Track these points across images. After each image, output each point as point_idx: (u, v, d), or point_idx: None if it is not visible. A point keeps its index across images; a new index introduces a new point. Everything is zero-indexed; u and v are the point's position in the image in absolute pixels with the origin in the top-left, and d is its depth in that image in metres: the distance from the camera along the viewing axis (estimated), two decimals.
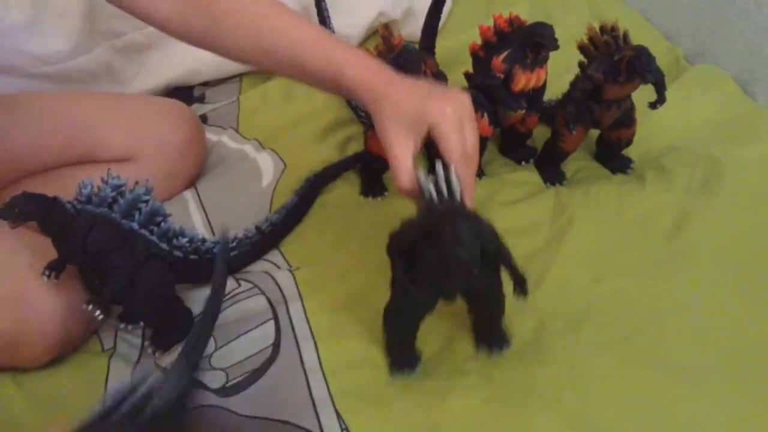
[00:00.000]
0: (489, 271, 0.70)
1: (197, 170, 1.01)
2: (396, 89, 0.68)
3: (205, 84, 1.23)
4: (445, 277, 0.65)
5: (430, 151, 0.99)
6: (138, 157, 0.95)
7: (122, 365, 0.77)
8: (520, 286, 0.68)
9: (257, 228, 0.90)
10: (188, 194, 0.98)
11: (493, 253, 0.66)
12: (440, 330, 0.79)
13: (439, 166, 0.66)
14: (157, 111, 0.98)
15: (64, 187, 0.90)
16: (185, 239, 0.80)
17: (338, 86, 0.71)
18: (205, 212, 0.95)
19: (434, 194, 0.66)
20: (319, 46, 0.72)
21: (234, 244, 0.79)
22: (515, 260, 0.68)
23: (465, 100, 0.70)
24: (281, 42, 0.72)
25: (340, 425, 0.69)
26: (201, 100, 1.21)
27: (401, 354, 0.76)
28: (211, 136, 1.09)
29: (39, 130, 0.91)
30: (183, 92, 1.20)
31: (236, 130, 1.11)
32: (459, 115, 0.68)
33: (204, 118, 1.16)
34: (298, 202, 0.94)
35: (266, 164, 1.03)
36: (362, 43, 1.29)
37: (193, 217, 0.94)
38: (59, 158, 0.92)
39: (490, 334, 0.77)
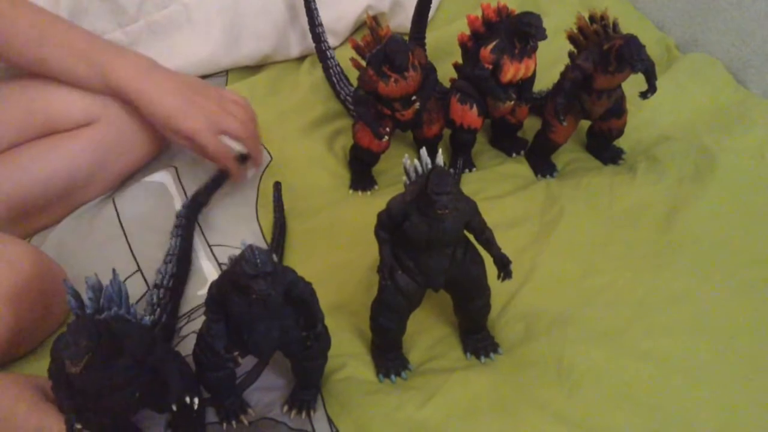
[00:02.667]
0: (472, 257, 0.70)
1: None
2: (158, 93, 0.86)
3: None
4: (432, 247, 0.66)
5: (453, 142, 1.01)
6: (100, 119, 0.92)
7: None
8: (503, 268, 0.69)
9: (157, 286, 0.81)
10: (172, 188, 0.96)
11: (477, 229, 0.68)
12: (427, 339, 0.79)
13: (423, 152, 0.67)
14: None
15: (22, 168, 0.88)
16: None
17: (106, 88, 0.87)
18: None
19: (418, 168, 0.67)
20: (86, 53, 0.86)
21: (148, 317, 0.64)
22: (497, 244, 0.68)
23: (222, 99, 0.91)
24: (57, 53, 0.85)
25: (331, 428, 0.68)
26: None
27: (389, 360, 0.75)
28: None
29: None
30: None
31: None
32: (212, 123, 0.87)
33: None
34: (182, 243, 0.87)
35: None
36: (350, 36, 1.27)
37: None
38: (19, 135, 0.89)
39: (477, 340, 0.77)
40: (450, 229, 0.65)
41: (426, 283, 0.70)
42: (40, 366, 0.67)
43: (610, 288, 0.81)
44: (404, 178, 0.69)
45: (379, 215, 0.68)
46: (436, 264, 0.68)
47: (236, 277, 0.57)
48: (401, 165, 0.68)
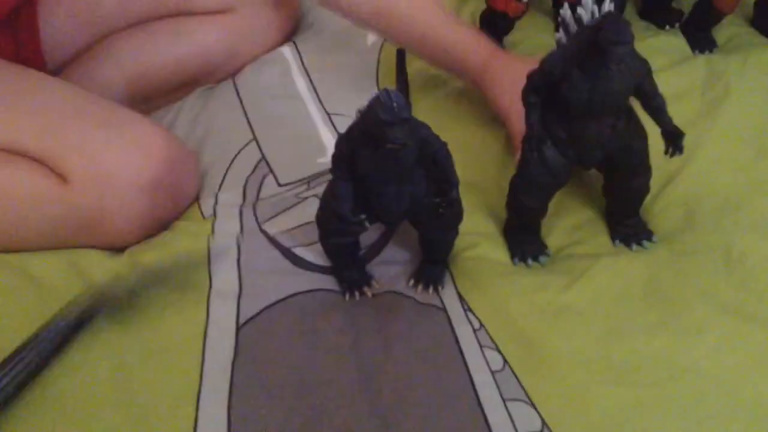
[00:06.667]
0: (635, 128, 0.61)
1: (292, 22, 0.96)
2: (501, 67, 0.74)
3: None
4: (591, 114, 0.58)
5: None
6: (233, 8, 0.89)
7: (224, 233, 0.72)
8: (674, 141, 0.60)
9: None
10: (288, 55, 0.91)
11: (648, 93, 0.59)
12: (567, 223, 0.70)
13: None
14: None
15: (156, 44, 0.86)
16: None
17: (457, 70, 0.78)
18: (309, 76, 0.88)
19: (584, 17, 0.57)
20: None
21: None
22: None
23: None
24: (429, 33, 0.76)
25: (462, 306, 0.62)
26: None
27: (524, 243, 0.68)
28: None
29: None
30: None
31: None
32: None
33: None
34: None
35: None
36: None
37: (297, 84, 0.87)
38: (151, 10, 0.86)
39: (628, 226, 0.68)
40: (617, 91, 0.56)
41: (579, 157, 0.61)
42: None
43: None
44: (557, 34, 0.60)
45: (530, 75, 0.59)
46: (594, 134, 0.59)
47: (369, 125, 0.50)
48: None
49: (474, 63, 0.75)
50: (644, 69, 0.58)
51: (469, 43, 0.76)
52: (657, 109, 0.59)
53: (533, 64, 0.60)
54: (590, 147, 0.60)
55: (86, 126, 0.69)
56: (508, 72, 0.72)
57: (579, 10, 0.57)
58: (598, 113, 0.58)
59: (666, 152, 0.60)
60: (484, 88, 0.75)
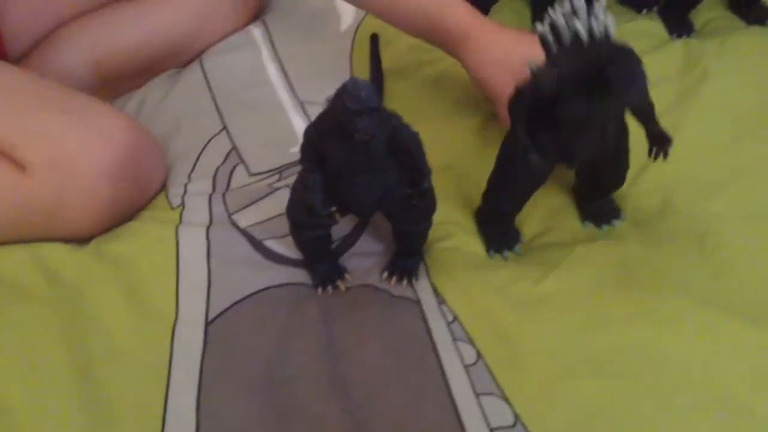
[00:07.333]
0: (621, 128, 0.59)
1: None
2: (488, 34, 0.69)
3: None
4: (585, 129, 0.54)
5: None
6: None
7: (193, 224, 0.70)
8: (660, 145, 0.57)
9: None
10: (258, 37, 0.89)
11: (639, 108, 0.56)
12: (541, 210, 0.69)
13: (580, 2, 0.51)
14: None
15: (116, 27, 0.84)
16: None
17: (435, 32, 0.72)
18: (280, 61, 0.86)
19: (582, 33, 0.50)
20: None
21: None
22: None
23: None
24: None
25: (437, 298, 0.61)
26: None
27: (499, 233, 0.67)
28: None
29: None
30: None
31: None
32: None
33: None
34: None
35: (344, 5, 0.90)
36: None
37: (268, 70, 0.85)
38: None
39: (597, 206, 0.67)
40: (616, 113, 0.54)
41: (564, 160, 0.59)
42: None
43: (764, 159, 0.69)
44: (540, 27, 0.53)
45: (521, 91, 0.55)
46: (585, 143, 0.56)
47: (336, 114, 0.49)
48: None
49: (453, 26, 0.70)
50: (646, 85, 0.52)
51: (447, 5, 0.71)
52: (647, 116, 0.56)
53: (518, 40, 0.58)
54: (580, 153, 0.58)
55: (45, 112, 0.66)
56: (493, 45, 0.68)
57: (576, 23, 0.50)
58: (593, 127, 0.55)
59: (650, 154, 0.58)
60: (463, 54, 0.71)
